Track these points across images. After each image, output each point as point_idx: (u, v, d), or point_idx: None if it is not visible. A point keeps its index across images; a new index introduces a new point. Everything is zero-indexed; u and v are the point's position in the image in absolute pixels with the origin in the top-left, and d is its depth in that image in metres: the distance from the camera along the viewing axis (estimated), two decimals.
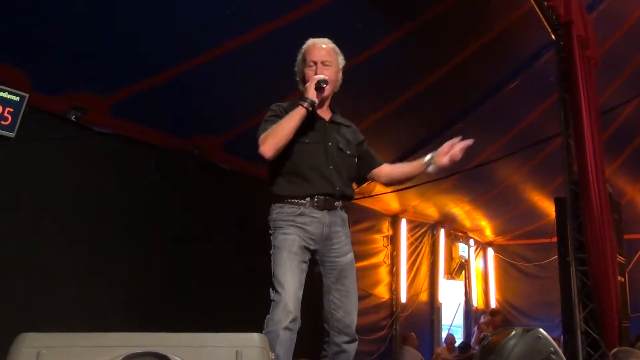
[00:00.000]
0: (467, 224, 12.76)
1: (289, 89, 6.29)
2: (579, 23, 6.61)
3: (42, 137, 5.23)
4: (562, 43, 6.61)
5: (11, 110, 4.86)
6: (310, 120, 3.17)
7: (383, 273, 10.45)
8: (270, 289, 2.99)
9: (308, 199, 3.12)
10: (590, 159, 6.11)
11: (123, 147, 5.95)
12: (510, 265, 13.82)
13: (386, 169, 3.46)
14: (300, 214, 3.11)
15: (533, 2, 6.31)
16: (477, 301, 13.59)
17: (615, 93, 8.65)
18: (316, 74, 3.17)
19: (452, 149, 3.17)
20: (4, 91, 4.82)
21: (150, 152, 6.24)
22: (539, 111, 8.78)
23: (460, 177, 9.62)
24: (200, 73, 5.61)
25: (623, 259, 7.09)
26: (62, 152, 5.41)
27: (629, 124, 9.31)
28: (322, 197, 3.14)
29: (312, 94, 3.09)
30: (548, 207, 10.76)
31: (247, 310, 6.80)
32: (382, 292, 10.36)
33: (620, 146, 9.84)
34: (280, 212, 3.14)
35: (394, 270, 10.64)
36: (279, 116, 3.16)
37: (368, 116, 7.35)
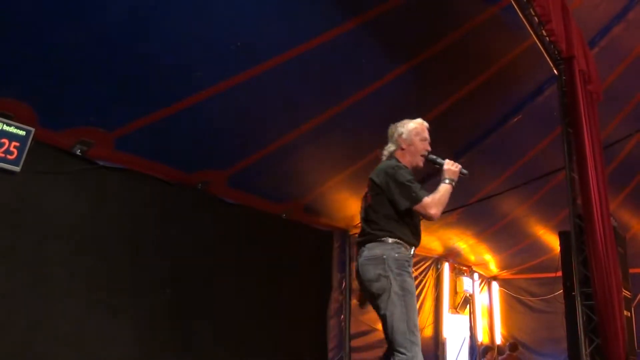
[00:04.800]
0: (472, 258, 12.69)
1: (291, 125, 6.39)
2: (580, 58, 6.67)
3: (48, 171, 5.25)
4: (564, 78, 6.65)
5: (17, 144, 4.88)
6: None
7: None
8: (407, 329, 3.35)
9: (413, 249, 3.59)
10: (594, 193, 6.10)
11: (128, 181, 5.95)
12: (516, 299, 13.71)
13: None
14: (408, 260, 3.53)
15: (535, 38, 6.35)
16: (482, 336, 13.45)
17: (618, 127, 8.68)
18: (429, 148, 4.09)
19: None
20: (10, 125, 4.84)
21: (154, 186, 6.23)
22: (542, 145, 8.80)
23: (464, 211, 9.61)
24: (204, 108, 5.64)
25: (629, 293, 7.04)
26: (67, 186, 5.42)
27: (632, 157, 9.33)
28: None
29: (455, 176, 3.85)
30: (552, 241, 10.74)
31: (253, 346, 6.79)
32: None
33: (624, 180, 9.86)
34: (400, 252, 3.46)
35: None
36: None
37: (373, 151, 7.37)
